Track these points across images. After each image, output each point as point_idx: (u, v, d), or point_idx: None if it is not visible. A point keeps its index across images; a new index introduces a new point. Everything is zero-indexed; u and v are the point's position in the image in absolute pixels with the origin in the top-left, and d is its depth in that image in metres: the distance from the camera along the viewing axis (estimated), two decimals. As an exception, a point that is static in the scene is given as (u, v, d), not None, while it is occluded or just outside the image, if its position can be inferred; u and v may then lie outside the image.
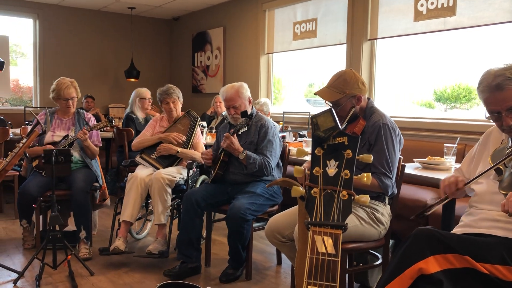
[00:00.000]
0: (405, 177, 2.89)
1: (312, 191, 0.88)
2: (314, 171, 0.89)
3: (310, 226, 0.86)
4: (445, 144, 3.21)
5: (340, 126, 0.90)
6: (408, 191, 3.60)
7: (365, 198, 0.89)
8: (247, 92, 3.23)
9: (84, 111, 3.95)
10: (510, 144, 1.87)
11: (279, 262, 3.48)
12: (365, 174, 0.90)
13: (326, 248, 0.83)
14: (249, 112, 3.16)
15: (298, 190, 0.90)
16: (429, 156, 3.17)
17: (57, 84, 3.67)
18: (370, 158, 0.90)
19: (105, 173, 5.18)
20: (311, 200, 0.87)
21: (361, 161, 2.44)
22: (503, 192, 1.72)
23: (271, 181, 3.23)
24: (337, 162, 0.88)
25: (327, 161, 0.89)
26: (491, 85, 1.82)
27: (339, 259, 0.83)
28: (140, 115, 5.09)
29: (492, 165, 1.84)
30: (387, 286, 1.62)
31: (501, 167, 1.83)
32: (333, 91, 2.44)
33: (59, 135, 3.68)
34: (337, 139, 0.89)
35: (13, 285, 2.96)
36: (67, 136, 3.65)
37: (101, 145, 3.86)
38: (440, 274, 1.61)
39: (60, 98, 3.66)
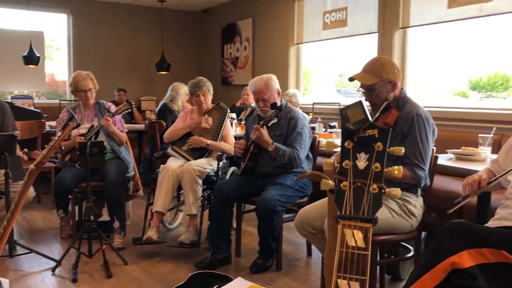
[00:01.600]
0: (438, 168, 2.83)
1: (341, 184, 0.87)
2: (343, 164, 0.88)
3: (339, 220, 0.85)
4: (480, 135, 3.12)
5: (370, 118, 0.89)
6: (441, 182, 3.52)
7: (396, 191, 0.88)
8: (276, 84, 3.22)
9: (103, 101, 4.00)
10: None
11: (309, 253, 3.48)
12: (396, 167, 0.89)
13: (356, 241, 0.83)
14: (278, 104, 3.15)
15: (328, 183, 0.89)
16: (463, 147, 3.09)
17: (74, 78, 3.76)
18: (401, 150, 0.89)
19: (138, 165, 5.28)
20: (341, 193, 0.86)
21: (392, 153, 2.40)
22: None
23: (301, 173, 3.22)
24: (368, 155, 0.87)
25: (357, 154, 0.87)
26: None
27: (369, 253, 0.83)
28: (178, 108, 5.16)
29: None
30: (419, 280, 1.61)
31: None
32: (370, 75, 2.40)
33: (84, 127, 3.76)
34: (368, 131, 0.87)
35: (52, 272, 3.07)
36: (92, 126, 3.74)
37: (126, 130, 3.92)
38: (474, 269, 1.58)
39: (79, 90, 3.74)
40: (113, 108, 3.88)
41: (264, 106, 3.19)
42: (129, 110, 3.81)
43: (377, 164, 0.85)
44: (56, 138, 1.57)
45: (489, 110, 4.05)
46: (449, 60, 4.79)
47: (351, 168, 0.87)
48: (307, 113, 5.26)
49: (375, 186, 0.84)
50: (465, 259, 1.59)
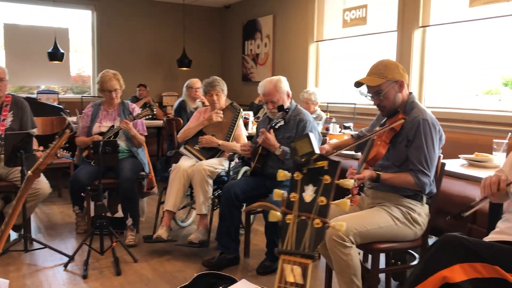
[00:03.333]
0: (452, 172, 2.79)
1: (286, 218, 0.86)
2: (290, 196, 0.87)
3: (280, 255, 0.85)
4: (494, 140, 3.04)
5: (317, 151, 0.88)
6: (456, 186, 3.44)
7: (339, 226, 0.87)
8: (285, 86, 3.21)
9: (129, 102, 4.09)
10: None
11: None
12: (342, 201, 0.87)
13: (294, 277, 0.82)
14: (286, 106, 3.14)
15: (276, 215, 0.88)
16: (476, 153, 3.02)
17: (101, 77, 3.84)
18: (350, 183, 0.87)
19: (156, 160, 5.37)
20: (285, 227, 0.86)
21: (398, 158, 2.34)
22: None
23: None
24: (315, 188, 0.86)
25: (305, 186, 0.87)
26: None
27: (307, 290, 0.82)
28: (190, 104, 5.21)
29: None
30: (408, 293, 1.59)
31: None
32: (374, 77, 2.39)
33: (105, 126, 3.86)
34: (318, 163, 0.86)
35: (64, 268, 3.16)
36: (112, 126, 3.82)
37: (146, 133, 3.99)
38: (466, 284, 1.55)
39: (104, 90, 3.83)
40: (136, 110, 3.96)
41: (273, 108, 3.19)
42: (150, 116, 3.88)
43: (323, 198, 0.84)
44: (52, 145, 1.62)
45: (506, 112, 3.93)
46: (470, 60, 4.65)
47: (297, 200, 0.86)
48: (325, 111, 5.23)
49: (318, 220, 0.83)
50: (457, 273, 1.56)
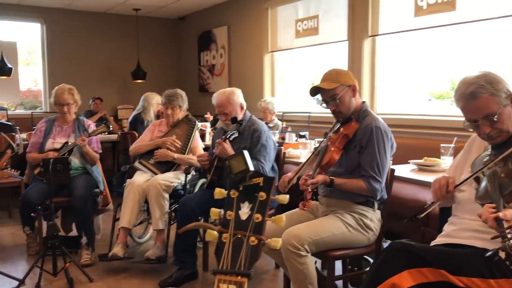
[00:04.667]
0: (403, 176, 2.87)
1: (222, 237, 0.86)
2: (227, 214, 0.87)
3: (216, 274, 0.85)
4: (441, 144, 3.15)
5: (251, 168, 0.88)
6: (408, 190, 3.53)
7: (275, 242, 0.88)
8: (238, 98, 3.22)
9: (84, 118, 4.00)
10: (489, 152, 1.83)
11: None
12: (277, 217, 0.87)
13: None
14: (240, 118, 3.15)
15: (213, 234, 0.88)
16: (425, 157, 3.12)
17: (56, 90, 3.76)
18: (285, 199, 0.88)
19: (112, 175, 5.25)
20: (221, 246, 0.86)
21: (350, 164, 2.38)
22: (479, 202, 1.69)
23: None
24: (251, 205, 0.86)
25: (241, 204, 0.87)
26: (466, 94, 1.79)
27: (244, 307, 0.82)
28: (150, 119, 5.12)
29: (471, 173, 1.80)
30: (359, 301, 1.61)
31: (480, 175, 1.79)
32: (329, 82, 2.44)
33: (59, 142, 3.75)
34: (253, 180, 0.87)
35: (14, 293, 3.03)
36: (66, 143, 3.72)
37: (101, 151, 3.90)
38: (414, 288, 1.59)
39: (57, 104, 3.74)
40: (92, 127, 3.86)
41: (225, 119, 3.19)
42: (106, 133, 3.81)
43: (258, 215, 0.84)
44: (-7, 167, 1.55)
45: (453, 117, 4.08)
46: (420, 67, 4.82)
47: (233, 219, 0.86)
48: (281, 120, 5.28)
49: (253, 238, 0.83)
50: (405, 280, 1.60)
